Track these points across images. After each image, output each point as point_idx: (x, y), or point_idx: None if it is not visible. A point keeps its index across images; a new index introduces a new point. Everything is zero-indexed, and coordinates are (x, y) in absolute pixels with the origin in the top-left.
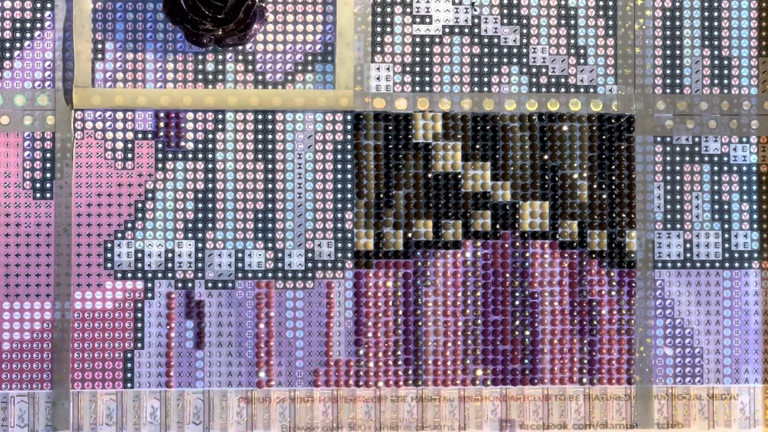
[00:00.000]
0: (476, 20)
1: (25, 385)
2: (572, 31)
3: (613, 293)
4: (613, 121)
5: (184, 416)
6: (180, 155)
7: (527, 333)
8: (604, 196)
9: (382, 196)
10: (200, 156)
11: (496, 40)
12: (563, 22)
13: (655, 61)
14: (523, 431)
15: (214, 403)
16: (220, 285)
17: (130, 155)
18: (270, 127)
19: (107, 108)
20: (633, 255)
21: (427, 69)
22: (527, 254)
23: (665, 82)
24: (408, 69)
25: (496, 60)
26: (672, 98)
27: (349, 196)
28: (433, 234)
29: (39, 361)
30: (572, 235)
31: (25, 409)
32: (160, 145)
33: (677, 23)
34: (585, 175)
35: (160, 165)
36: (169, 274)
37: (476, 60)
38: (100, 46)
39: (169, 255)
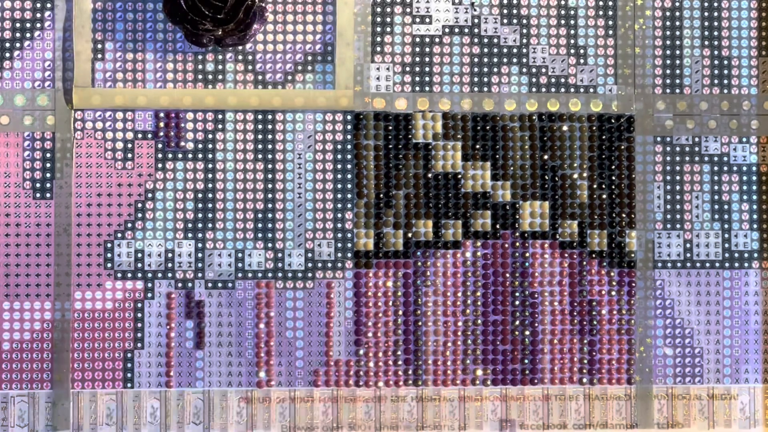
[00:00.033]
0: (476, 20)
1: (25, 385)
2: (572, 31)
3: (613, 293)
4: (613, 121)
5: (184, 416)
6: (180, 155)
7: (527, 333)
8: (604, 196)
9: (382, 196)
10: (200, 156)
11: (496, 40)
12: (563, 22)
13: (655, 61)
14: (523, 431)
15: (214, 403)
16: (220, 285)
17: (130, 155)
18: (270, 127)
19: (107, 108)
20: (633, 255)
21: (427, 69)
22: (527, 254)
23: (665, 82)
24: (408, 69)
25: (496, 60)
26: (672, 98)
27: (349, 196)
28: (433, 234)
29: (39, 361)
30: (572, 235)
31: (25, 409)
32: (160, 145)
33: (677, 23)
34: (585, 175)
35: (160, 165)
36: (169, 274)
37: (476, 60)
38: (100, 46)
39: (169, 255)
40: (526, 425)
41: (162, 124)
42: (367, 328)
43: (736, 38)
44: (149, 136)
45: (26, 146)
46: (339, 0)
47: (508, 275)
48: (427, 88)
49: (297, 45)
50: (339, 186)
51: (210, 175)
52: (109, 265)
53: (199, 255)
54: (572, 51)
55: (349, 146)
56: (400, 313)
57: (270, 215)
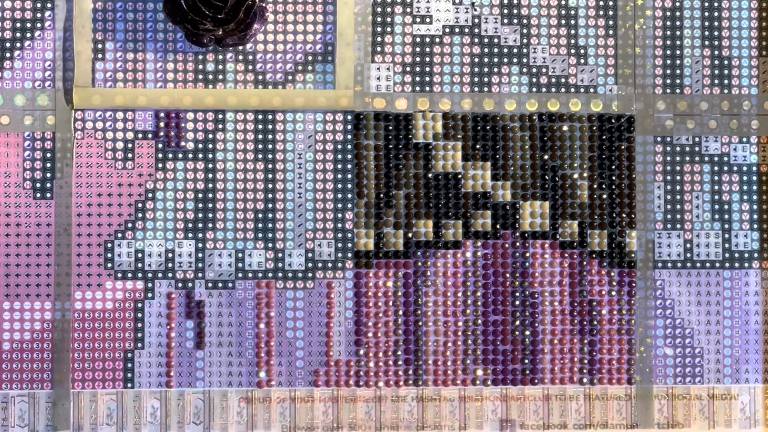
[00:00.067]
0: (476, 20)
1: (25, 385)
2: (572, 31)
3: (613, 293)
4: (613, 121)
5: (185, 416)
6: (180, 155)
7: (527, 333)
8: (604, 196)
9: (382, 196)
10: (200, 156)
11: (496, 40)
12: (563, 22)
13: (655, 61)
14: (524, 431)
15: (214, 403)
16: (220, 285)
17: (130, 155)
18: (270, 127)
19: (107, 108)
20: (633, 255)
21: (427, 69)
22: (527, 254)
23: (665, 82)
24: (408, 69)
25: (496, 60)
26: (672, 98)
27: (349, 196)
28: (434, 234)
29: (39, 361)
30: (572, 235)
31: (25, 409)
32: (160, 145)
33: (677, 23)
34: (585, 175)
35: (160, 165)
36: (169, 274)
37: (476, 60)
38: (100, 46)
39: (169, 255)
40: (527, 425)
41: (162, 124)
42: (367, 328)
43: (737, 38)
44: (149, 136)
45: (26, 146)
46: (339, 0)
47: (508, 275)
48: (427, 88)
49: (297, 45)
50: (339, 186)
51: (210, 175)
52: (109, 265)
53: (200, 255)
54: (572, 51)
55: (349, 146)
56: (401, 313)
57: (270, 215)
